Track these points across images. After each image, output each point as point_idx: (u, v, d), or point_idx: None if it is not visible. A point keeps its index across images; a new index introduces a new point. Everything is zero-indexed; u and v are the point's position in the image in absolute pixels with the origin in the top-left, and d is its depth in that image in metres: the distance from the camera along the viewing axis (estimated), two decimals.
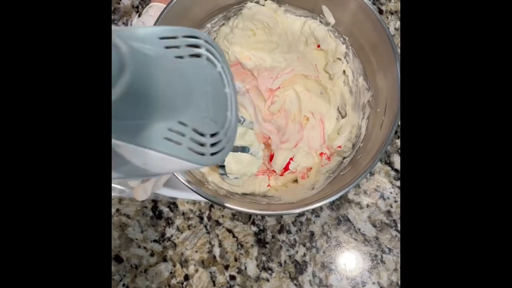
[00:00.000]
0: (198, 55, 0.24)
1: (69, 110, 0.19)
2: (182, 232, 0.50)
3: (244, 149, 0.41)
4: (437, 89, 0.24)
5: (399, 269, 0.49)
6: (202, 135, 0.24)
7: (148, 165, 0.23)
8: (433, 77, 0.25)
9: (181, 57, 0.24)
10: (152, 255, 0.49)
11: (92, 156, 0.20)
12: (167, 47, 0.23)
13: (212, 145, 0.24)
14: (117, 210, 0.50)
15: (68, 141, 0.19)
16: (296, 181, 0.48)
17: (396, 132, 0.51)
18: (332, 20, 0.46)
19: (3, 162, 0.18)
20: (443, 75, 0.24)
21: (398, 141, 0.51)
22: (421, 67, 0.25)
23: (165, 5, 0.39)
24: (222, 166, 0.40)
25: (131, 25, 0.52)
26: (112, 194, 0.47)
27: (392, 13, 0.55)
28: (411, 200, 0.24)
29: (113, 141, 0.21)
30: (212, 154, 0.24)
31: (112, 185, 0.44)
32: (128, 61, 0.19)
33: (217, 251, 0.49)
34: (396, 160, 0.50)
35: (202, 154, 0.23)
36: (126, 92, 0.19)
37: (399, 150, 0.50)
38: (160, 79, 0.22)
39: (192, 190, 0.38)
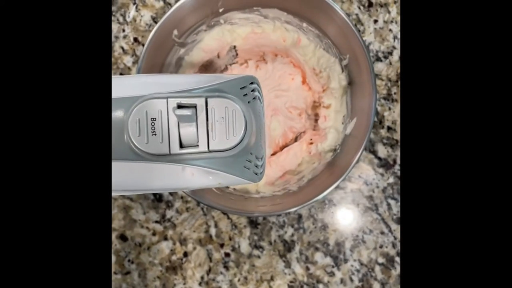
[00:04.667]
0: (255, 97, 0.30)
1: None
2: (181, 214, 0.54)
3: None
4: (439, 82, 0.27)
5: (378, 248, 0.54)
6: (258, 159, 0.30)
7: (221, 183, 0.29)
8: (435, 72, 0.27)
9: (249, 102, 0.30)
10: (154, 234, 0.54)
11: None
12: (244, 95, 0.29)
13: (261, 165, 0.31)
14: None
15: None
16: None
17: (381, 123, 0.54)
18: None
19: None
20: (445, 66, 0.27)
21: (382, 131, 0.54)
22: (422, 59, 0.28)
23: None
24: None
25: (128, 17, 0.54)
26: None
27: None
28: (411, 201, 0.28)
29: (211, 170, 0.27)
30: (261, 172, 0.31)
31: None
32: (248, 119, 0.27)
33: (213, 231, 0.54)
34: (380, 149, 0.54)
35: (256, 174, 0.30)
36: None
37: (383, 140, 0.54)
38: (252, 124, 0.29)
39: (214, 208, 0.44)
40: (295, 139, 0.54)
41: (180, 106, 0.26)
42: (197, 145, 0.26)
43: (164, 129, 0.26)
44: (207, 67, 0.53)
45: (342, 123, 0.51)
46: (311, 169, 0.51)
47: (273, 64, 0.53)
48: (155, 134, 0.26)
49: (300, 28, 0.50)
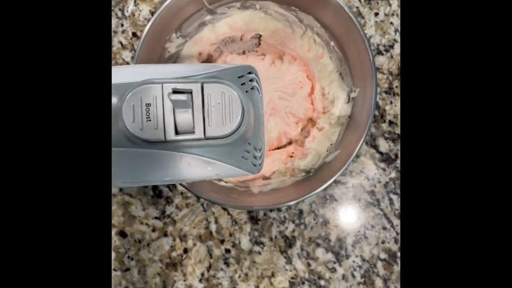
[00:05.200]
0: (253, 87, 0.30)
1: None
2: (181, 210, 0.54)
3: None
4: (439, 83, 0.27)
5: (380, 244, 0.53)
6: (256, 150, 0.30)
7: (219, 174, 0.29)
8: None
9: (247, 91, 0.29)
10: (153, 230, 0.54)
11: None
12: (242, 84, 0.29)
13: (260, 157, 0.31)
14: (120, 189, 0.54)
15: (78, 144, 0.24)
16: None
17: (383, 117, 0.53)
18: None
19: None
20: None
21: (383, 125, 0.53)
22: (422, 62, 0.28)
23: None
24: None
25: (127, 11, 0.54)
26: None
27: None
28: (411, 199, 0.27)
29: (208, 159, 0.27)
30: (260, 164, 0.31)
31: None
32: (245, 106, 0.27)
33: (213, 227, 0.54)
34: (382, 143, 0.53)
35: (255, 165, 0.30)
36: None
37: (384, 134, 0.53)
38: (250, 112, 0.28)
39: (211, 201, 0.46)
40: (280, 147, 0.54)
41: (175, 92, 0.25)
42: (193, 132, 0.26)
43: (159, 115, 0.25)
44: (226, 43, 0.53)
45: (327, 151, 0.50)
46: (280, 181, 0.50)
47: (289, 66, 0.53)
48: (150, 120, 0.25)
49: (327, 45, 0.50)
